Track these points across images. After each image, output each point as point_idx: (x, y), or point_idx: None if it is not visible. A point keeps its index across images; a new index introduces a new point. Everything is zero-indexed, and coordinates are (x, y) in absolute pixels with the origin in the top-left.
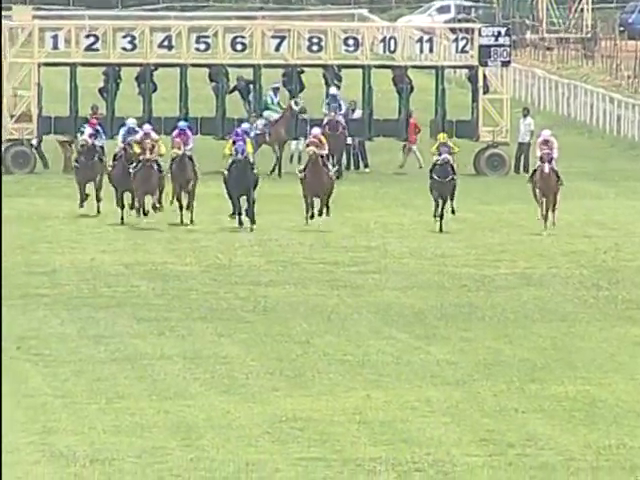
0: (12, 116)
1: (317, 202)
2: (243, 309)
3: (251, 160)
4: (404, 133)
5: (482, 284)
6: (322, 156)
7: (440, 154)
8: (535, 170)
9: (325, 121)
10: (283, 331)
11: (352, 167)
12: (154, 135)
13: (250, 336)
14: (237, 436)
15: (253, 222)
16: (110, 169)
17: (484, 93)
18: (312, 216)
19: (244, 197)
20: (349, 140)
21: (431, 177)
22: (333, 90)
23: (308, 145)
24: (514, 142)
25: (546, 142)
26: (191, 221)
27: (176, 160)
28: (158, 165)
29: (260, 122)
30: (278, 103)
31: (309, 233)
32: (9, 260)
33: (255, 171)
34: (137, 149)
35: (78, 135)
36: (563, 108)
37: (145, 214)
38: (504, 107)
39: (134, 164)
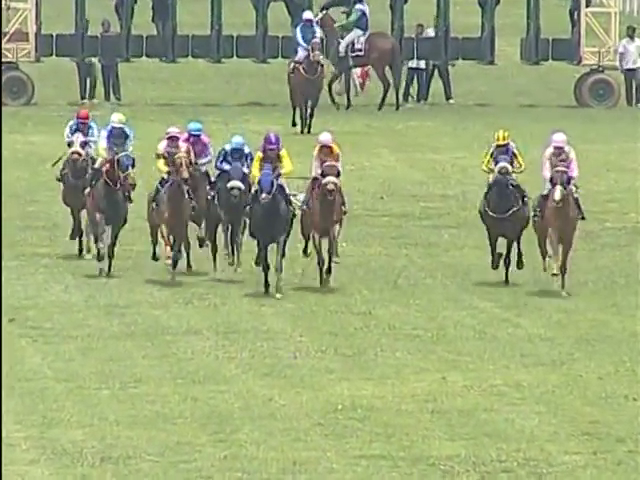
0: (4, 34)
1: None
2: (289, 272)
3: (287, 189)
4: (489, 55)
5: (584, 241)
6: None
7: (496, 163)
8: (544, 196)
9: (299, 57)
10: (339, 300)
11: (423, 97)
12: (183, 145)
13: (298, 306)
14: (282, 429)
15: (280, 271)
16: (87, 192)
17: (587, 6)
18: (320, 262)
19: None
20: (421, 64)
21: (484, 209)
22: (307, 14)
23: (324, 174)
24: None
25: (559, 153)
26: (188, 265)
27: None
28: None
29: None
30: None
31: (370, 179)
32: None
33: (293, 203)
34: (163, 166)
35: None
36: None
37: (181, 262)
38: (612, 23)
39: (157, 189)
